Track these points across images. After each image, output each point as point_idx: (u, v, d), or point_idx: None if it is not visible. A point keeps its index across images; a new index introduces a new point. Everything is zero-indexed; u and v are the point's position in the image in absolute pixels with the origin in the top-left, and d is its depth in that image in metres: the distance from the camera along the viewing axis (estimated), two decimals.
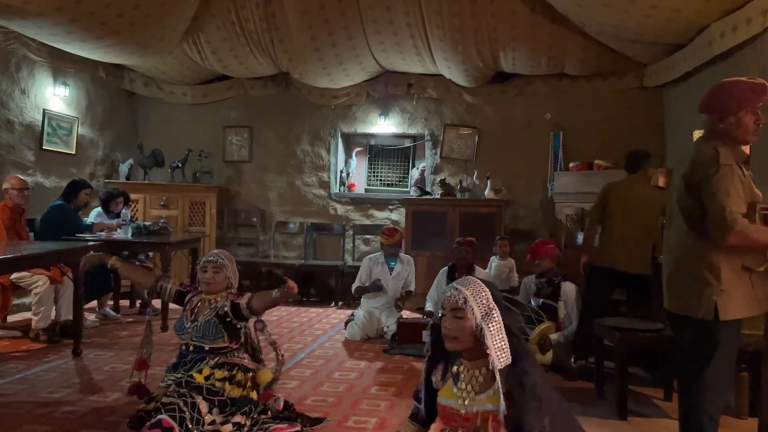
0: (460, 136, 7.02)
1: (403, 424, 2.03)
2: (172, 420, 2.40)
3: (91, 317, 5.25)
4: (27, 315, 5.30)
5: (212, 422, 2.56)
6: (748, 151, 2.39)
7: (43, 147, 5.93)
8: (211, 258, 2.83)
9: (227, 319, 2.77)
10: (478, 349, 1.69)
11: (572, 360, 4.10)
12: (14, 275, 4.48)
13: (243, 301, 2.80)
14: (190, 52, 6.53)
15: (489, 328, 1.66)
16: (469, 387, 1.69)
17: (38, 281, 4.54)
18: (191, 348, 2.76)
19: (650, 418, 3.18)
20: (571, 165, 6.20)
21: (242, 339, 2.85)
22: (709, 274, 2.23)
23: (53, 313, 4.67)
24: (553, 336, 4.10)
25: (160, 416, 2.42)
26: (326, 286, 7.01)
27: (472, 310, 1.68)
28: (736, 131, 2.25)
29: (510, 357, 1.66)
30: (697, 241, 2.27)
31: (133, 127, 7.55)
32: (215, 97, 7.43)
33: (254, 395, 2.75)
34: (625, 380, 3.26)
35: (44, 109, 5.93)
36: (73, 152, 6.40)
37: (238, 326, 2.81)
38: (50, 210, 5.11)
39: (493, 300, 1.72)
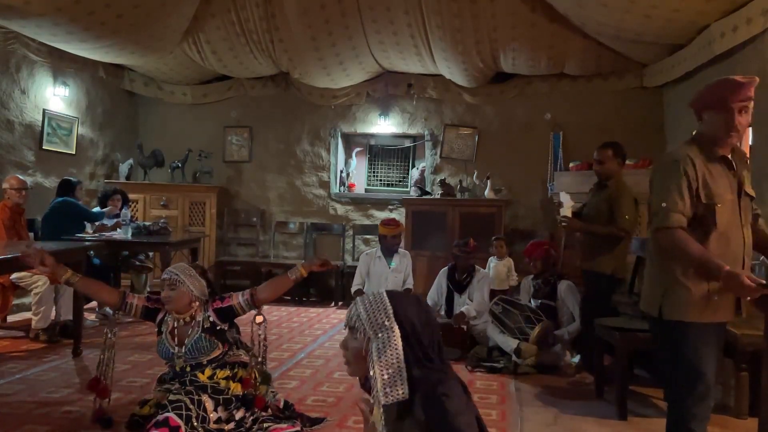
0: (460, 136, 7.02)
1: None
2: (178, 418, 2.39)
3: (91, 317, 5.25)
4: (27, 315, 5.30)
5: (218, 420, 2.55)
6: (728, 152, 2.18)
7: (43, 147, 5.94)
8: (166, 276, 2.70)
9: (217, 328, 2.72)
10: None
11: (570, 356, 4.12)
12: (14, 275, 4.49)
13: (240, 299, 2.74)
14: (190, 52, 6.53)
15: (378, 353, 1.41)
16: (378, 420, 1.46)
17: (38, 281, 4.54)
18: (188, 369, 2.69)
19: (650, 418, 3.17)
20: (571, 165, 6.20)
21: (231, 339, 2.81)
22: (661, 272, 2.20)
23: (53, 313, 4.67)
24: (558, 332, 4.12)
25: (167, 414, 2.39)
26: (326, 286, 7.01)
27: (364, 330, 1.45)
28: (711, 129, 2.16)
29: (406, 392, 1.40)
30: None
31: (133, 127, 7.55)
32: (215, 97, 7.43)
33: (262, 389, 2.76)
34: (625, 380, 3.26)
35: (44, 109, 5.93)
36: (73, 152, 6.41)
37: (226, 329, 2.77)
38: (57, 206, 5.09)
39: (408, 319, 1.45)
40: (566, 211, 3.85)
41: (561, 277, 4.45)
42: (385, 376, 1.40)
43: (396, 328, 1.43)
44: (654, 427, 3.03)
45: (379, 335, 1.42)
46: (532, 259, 4.48)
